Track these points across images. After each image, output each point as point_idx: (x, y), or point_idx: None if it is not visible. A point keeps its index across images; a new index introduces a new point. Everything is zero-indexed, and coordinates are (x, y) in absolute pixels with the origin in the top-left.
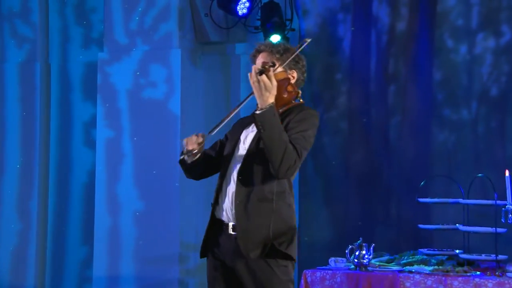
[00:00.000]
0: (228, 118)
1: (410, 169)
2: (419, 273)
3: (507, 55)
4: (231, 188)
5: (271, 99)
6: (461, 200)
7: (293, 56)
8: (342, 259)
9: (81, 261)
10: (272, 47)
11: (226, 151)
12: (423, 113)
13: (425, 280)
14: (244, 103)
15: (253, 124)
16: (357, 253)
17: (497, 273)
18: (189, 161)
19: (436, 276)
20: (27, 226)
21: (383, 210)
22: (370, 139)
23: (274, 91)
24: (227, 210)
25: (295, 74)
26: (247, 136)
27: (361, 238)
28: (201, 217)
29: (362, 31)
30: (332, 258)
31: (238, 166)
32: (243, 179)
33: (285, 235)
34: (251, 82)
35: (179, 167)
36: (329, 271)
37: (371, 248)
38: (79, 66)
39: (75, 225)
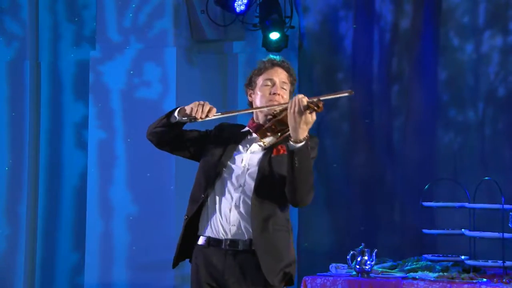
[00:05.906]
0: (232, 114)
1: (414, 172)
2: (423, 279)
3: None
4: (230, 204)
5: (306, 133)
6: (467, 204)
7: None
8: (344, 265)
9: (72, 268)
10: (290, 69)
11: (211, 158)
12: (428, 114)
13: (430, 287)
14: (256, 110)
15: (252, 144)
16: (359, 259)
17: (504, 280)
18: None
19: (441, 283)
20: (15, 231)
21: (386, 215)
22: (372, 141)
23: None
24: (230, 227)
25: None
26: (246, 155)
27: (363, 244)
28: None
29: (365, 29)
30: (333, 264)
31: (242, 185)
32: (258, 204)
33: (293, 266)
34: (292, 110)
35: (174, 170)
36: (330, 278)
37: (374, 254)
38: (70, 64)
39: (66, 230)
